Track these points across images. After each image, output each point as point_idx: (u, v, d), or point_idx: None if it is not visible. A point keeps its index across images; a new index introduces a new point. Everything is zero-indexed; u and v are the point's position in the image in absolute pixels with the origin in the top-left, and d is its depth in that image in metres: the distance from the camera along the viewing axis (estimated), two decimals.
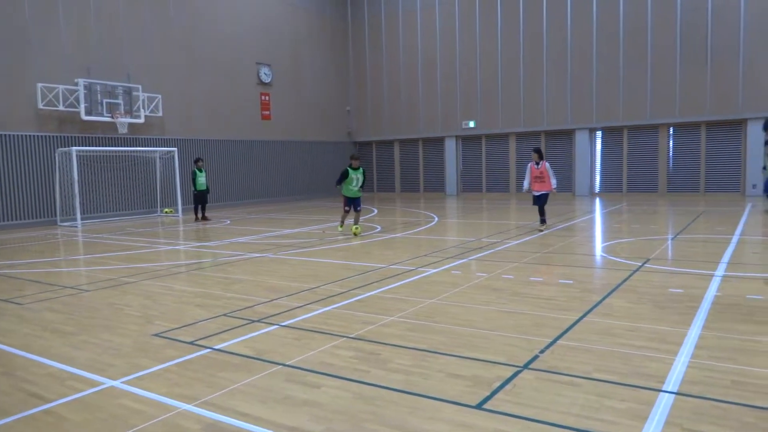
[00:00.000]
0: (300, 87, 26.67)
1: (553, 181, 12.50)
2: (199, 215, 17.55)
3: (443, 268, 8.47)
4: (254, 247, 11.24)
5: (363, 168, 13.32)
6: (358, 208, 13.19)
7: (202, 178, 17.49)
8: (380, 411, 3.61)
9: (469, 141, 26.85)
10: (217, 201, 22.22)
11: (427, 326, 5.45)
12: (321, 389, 3.97)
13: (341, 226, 13.48)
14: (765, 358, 4.35)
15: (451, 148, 27.08)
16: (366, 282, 7.57)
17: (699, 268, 7.85)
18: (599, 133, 23.88)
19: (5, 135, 16.68)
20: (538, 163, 12.54)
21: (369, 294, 6.84)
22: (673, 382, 3.91)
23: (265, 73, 24.77)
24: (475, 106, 26.10)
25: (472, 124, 26.20)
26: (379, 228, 14.15)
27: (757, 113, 20.21)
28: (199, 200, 17.47)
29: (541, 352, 4.61)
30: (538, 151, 12.63)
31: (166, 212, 20.17)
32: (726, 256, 8.73)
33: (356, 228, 12.60)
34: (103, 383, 4.24)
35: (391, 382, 4.08)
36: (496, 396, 3.78)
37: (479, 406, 3.63)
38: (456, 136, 26.91)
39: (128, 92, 19.10)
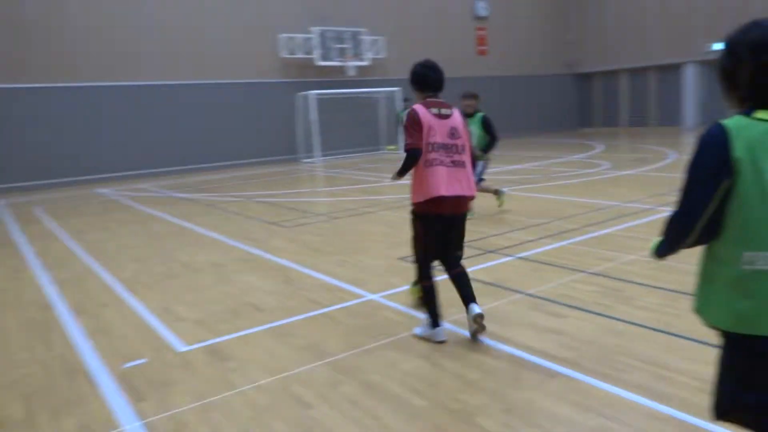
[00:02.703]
0: (516, 19, 25.66)
1: None
2: None
3: None
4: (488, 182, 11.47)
5: (484, 114, 7.54)
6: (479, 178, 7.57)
7: None
8: (631, 345, 3.58)
9: (713, 66, 23.46)
10: None
11: (674, 267, 5.12)
12: (566, 319, 4.05)
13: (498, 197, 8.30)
14: None
15: (689, 75, 23.98)
16: (599, 220, 7.31)
17: None
18: None
19: (253, 82, 19.07)
20: None
21: (604, 231, 6.62)
22: None
23: (482, 7, 24.28)
24: (721, 23, 22.54)
25: (717, 46, 22.77)
26: (606, 164, 13.36)
27: None
28: None
29: None
30: None
31: (388, 149, 21.42)
32: None
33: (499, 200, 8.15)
34: (364, 296, 4.85)
35: (640, 318, 3.99)
36: None
37: None
38: (696, 62, 23.70)
39: (355, 36, 20.33)
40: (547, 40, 26.93)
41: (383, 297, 4.78)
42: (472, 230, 7.04)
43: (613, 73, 26.90)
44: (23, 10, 15.27)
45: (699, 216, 1.72)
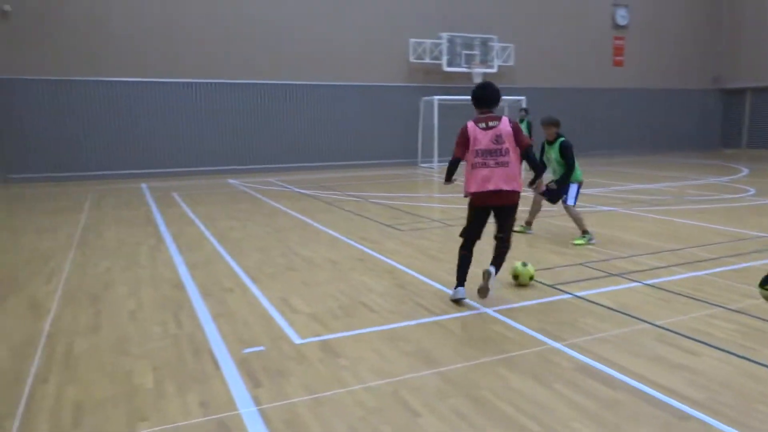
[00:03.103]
0: (660, 29, 24.04)
1: None
2: None
3: None
4: (602, 200, 10.89)
5: (564, 139, 7.14)
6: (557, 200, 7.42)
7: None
8: None
9: None
10: None
11: None
12: (700, 357, 3.70)
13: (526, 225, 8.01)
14: None
15: None
16: (741, 251, 6.64)
17: None
18: None
19: (380, 86, 19.47)
20: None
21: (748, 264, 6.00)
22: None
23: (622, 15, 23.04)
24: None
25: None
26: (752, 191, 12.14)
27: None
28: None
29: None
30: None
31: None
32: None
33: (577, 240, 7.21)
34: (478, 308, 4.75)
35: None
36: None
37: None
38: None
39: (484, 43, 20.11)
40: (693, 51, 24.96)
41: (497, 311, 4.66)
42: (594, 249, 6.70)
43: (766, 90, 24.39)
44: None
45: None
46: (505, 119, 4.82)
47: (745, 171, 16.50)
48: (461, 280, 4.89)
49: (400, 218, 9.23)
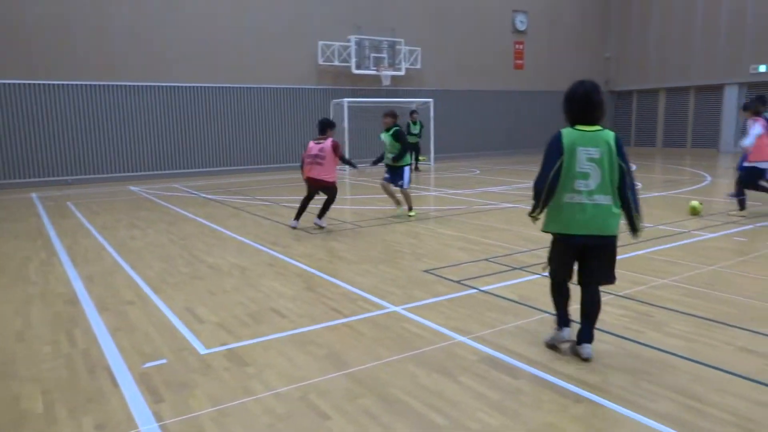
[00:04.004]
0: (556, 34, 25.44)
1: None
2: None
3: (723, 233, 7.55)
4: (505, 197, 11.35)
5: (398, 128, 9.15)
6: (398, 184, 9.18)
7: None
8: (659, 373, 3.46)
9: (758, 89, 22.86)
10: (465, 151, 22.82)
11: (707, 294, 4.98)
12: (594, 342, 3.93)
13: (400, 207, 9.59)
14: None
15: (732, 97, 23.40)
16: (629, 241, 7.13)
17: None
18: None
19: (289, 88, 19.26)
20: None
21: (636, 253, 6.46)
22: None
23: (521, 21, 24.15)
24: None
25: (763, 68, 22.19)
26: (638, 185, 13.09)
27: None
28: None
29: None
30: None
31: (421, 160, 21.36)
32: None
33: (402, 210, 9.44)
34: (387, 307, 4.80)
35: (669, 345, 3.86)
36: None
37: None
38: (740, 83, 23.12)
39: (392, 46, 20.39)
40: (586, 56, 26.58)
41: (406, 309, 4.73)
42: (498, 245, 6.97)
43: (651, 92, 26.44)
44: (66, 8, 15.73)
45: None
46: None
47: (634, 167, 17.77)
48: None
49: (312, 221, 9.16)
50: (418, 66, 21.23)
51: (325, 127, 8.45)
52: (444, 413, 3.06)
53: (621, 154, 3.57)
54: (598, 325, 4.24)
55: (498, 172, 17.04)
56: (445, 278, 5.62)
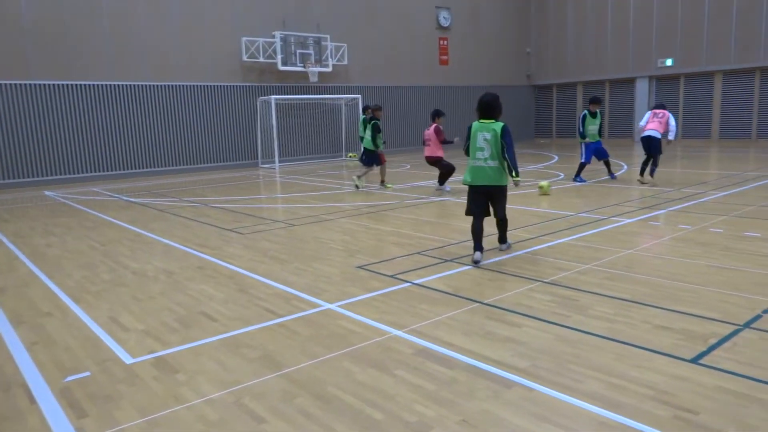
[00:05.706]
0: (478, 30, 26.06)
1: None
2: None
3: (639, 218, 7.98)
4: (437, 191, 11.52)
5: (375, 119, 12.03)
6: (367, 162, 12.35)
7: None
8: (584, 354, 3.62)
9: (664, 81, 24.32)
10: (394, 146, 23.00)
11: (626, 276, 5.25)
12: (521, 328, 4.07)
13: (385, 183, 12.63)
14: None
15: (642, 89, 24.78)
16: (554, 229, 7.43)
17: None
18: None
19: (214, 86, 18.75)
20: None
21: (560, 241, 6.72)
22: None
23: (444, 17, 24.56)
24: (674, 41, 23.41)
25: (669, 62, 23.62)
26: (561, 176, 13.63)
27: None
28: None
29: (765, 312, 4.21)
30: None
31: (350, 156, 21.36)
32: None
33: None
34: (321, 305, 4.77)
35: (593, 327, 4.04)
36: (714, 352, 3.57)
37: (695, 361, 3.46)
38: (650, 77, 24.52)
39: (318, 42, 20.23)
40: (507, 51, 27.40)
41: (340, 306, 4.71)
42: (430, 238, 7.07)
43: (569, 86, 27.58)
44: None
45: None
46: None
47: (556, 158, 18.49)
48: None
49: (242, 221, 8.97)
50: (345, 62, 21.18)
51: (434, 115, 11.12)
52: (381, 408, 3.07)
53: (504, 136, 5.73)
54: (524, 311, 4.39)
55: (428, 166, 17.24)
56: (379, 273, 5.65)
